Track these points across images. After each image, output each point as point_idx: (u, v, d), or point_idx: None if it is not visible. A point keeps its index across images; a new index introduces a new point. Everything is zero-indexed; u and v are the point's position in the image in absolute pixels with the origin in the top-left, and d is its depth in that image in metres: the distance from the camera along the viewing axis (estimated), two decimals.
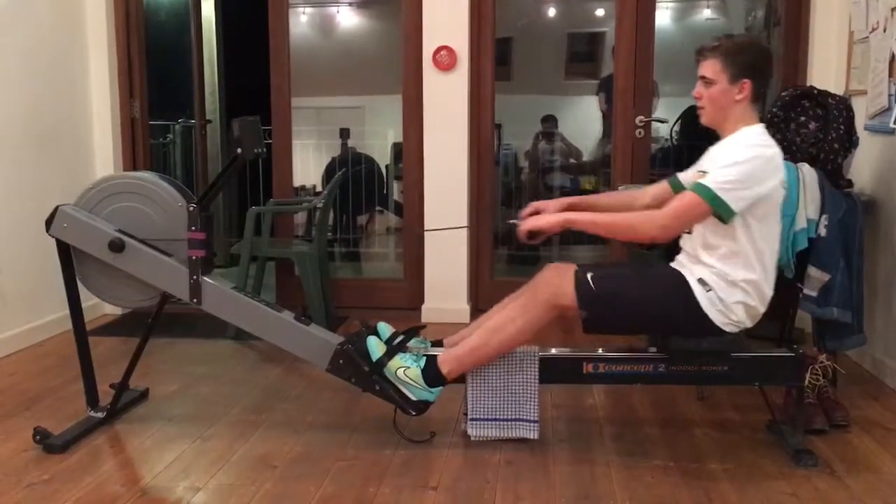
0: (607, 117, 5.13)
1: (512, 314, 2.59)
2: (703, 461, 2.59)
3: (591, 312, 2.52)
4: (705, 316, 2.48)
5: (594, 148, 5.90)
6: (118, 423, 2.91)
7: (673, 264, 2.63)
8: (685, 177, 2.68)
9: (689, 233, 2.56)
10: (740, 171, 2.39)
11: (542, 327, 2.58)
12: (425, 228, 4.30)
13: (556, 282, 2.54)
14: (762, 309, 2.53)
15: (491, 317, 2.68)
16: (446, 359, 2.62)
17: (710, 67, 2.51)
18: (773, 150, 2.47)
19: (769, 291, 2.52)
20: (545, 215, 2.59)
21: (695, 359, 2.60)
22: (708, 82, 2.52)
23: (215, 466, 2.55)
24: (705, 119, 2.58)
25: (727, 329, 2.51)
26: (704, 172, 2.48)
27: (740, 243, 2.45)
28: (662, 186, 2.76)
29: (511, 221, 2.66)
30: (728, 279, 2.47)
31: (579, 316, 2.53)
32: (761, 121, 2.57)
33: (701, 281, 2.49)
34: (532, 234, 2.57)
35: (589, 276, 2.52)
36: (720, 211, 2.39)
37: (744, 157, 2.42)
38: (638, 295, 2.54)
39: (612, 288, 2.53)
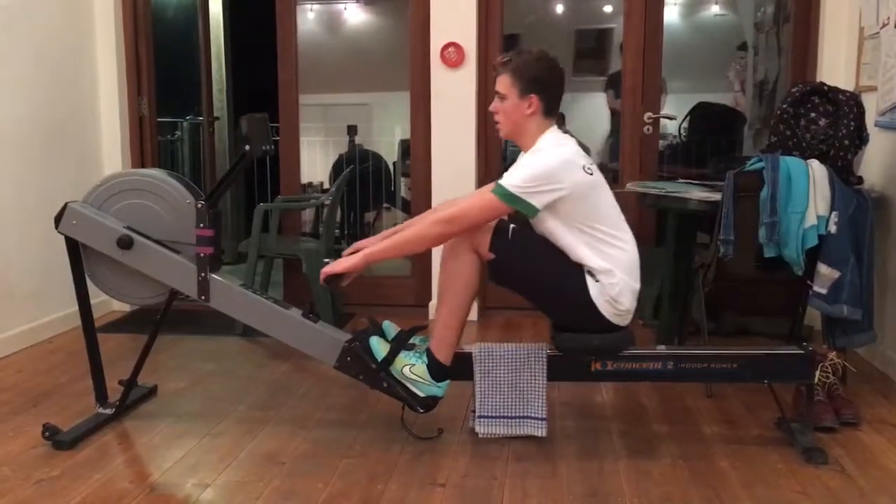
0: (616, 114, 5.12)
1: (448, 268, 2.62)
2: (711, 459, 2.58)
3: (498, 259, 2.57)
4: (595, 307, 2.53)
5: (602, 145, 5.88)
6: (127, 419, 2.91)
7: None
8: None
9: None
10: (533, 172, 2.48)
11: (476, 272, 2.59)
12: None
13: (481, 224, 2.57)
14: (638, 285, 2.59)
15: (440, 281, 2.70)
16: (434, 345, 2.63)
17: (502, 82, 2.60)
18: (562, 148, 2.54)
19: (636, 269, 2.59)
20: (342, 259, 2.64)
21: (586, 357, 2.62)
22: (501, 97, 2.59)
23: (223, 463, 2.55)
24: (503, 133, 2.67)
25: (615, 321, 2.56)
26: None
27: (583, 243, 2.52)
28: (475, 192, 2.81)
29: (326, 261, 2.68)
30: (600, 272, 2.52)
31: (488, 258, 2.58)
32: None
33: (590, 273, 2.54)
34: (331, 278, 2.60)
35: (512, 227, 2.58)
36: (522, 209, 2.49)
37: (536, 160, 2.51)
38: (544, 264, 2.58)
39: (525, 246, 2.58)
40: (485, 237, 2.56)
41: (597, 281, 2.53)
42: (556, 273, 2.58)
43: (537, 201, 2.47)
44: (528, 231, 2.63)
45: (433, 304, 4.39)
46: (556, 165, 2.49)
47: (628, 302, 2.56)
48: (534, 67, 2.56)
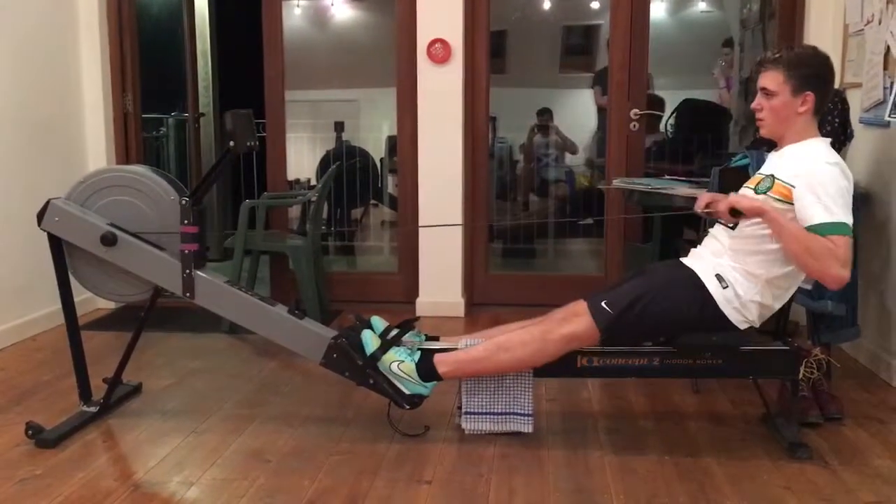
0: (603, 110, 5.13)
1: (526, 338, 2.57)
2: (697, 454, 2.59)
3: (613, 334, 2.53)
4: (722, 314, 2.48)
5: (589, 141, 5.89)
6: (111, 417, 2.89)
7: (685, 260, 2.63)
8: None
9: (732, 228, 2.53)
10: (840, 191, 2.36)
11: (550, 361, 2.57)
12: (420, 225, 4.29)
13: (574, 317, 2.53)
14: (777, 307, 2.53)
15: (504, 333, 2.66)
16: (445, 360, 2.61)
17: (773, 79, 2.47)
18: (843, 161, 2.47)
19: (777, 301, 2.53)
20: (745, 198, 2.50)
21: (698, 352, 2.59)
22: (769, 94, 2.49)
23: (209, 461, 2.54)
24: (765, 131, 2.55)
25: (741, 326, 2.52)
26: (792, 186, 2.41)
27: (777, 253, 2.45)
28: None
29: (699, 211, 2.62)
30: (752, 276, 2.46)
31: (600, 340, 2.55)
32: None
33: (718, 277, 2.49)
34: (736, 211, 2.48)
35: (603, 303, 2.52)
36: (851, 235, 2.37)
37: (840, 176, 2.39)
38: (655, 305, 2.52)
39: (629, 305, 2.51)
40: (587, 329, 2.51)
41: (724, 287, 2.47)
42: (673, 306, 2.51)
43: (849, 218, 2.35)
44: (614, 291, 2.57)
45: (420, 300, 4.41)
46: (849, 181, 2.41)
47: (754, 314, 2.50)
48: (811, 64, 2.47)
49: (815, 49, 2.56)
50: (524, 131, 5.87)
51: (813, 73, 2.47)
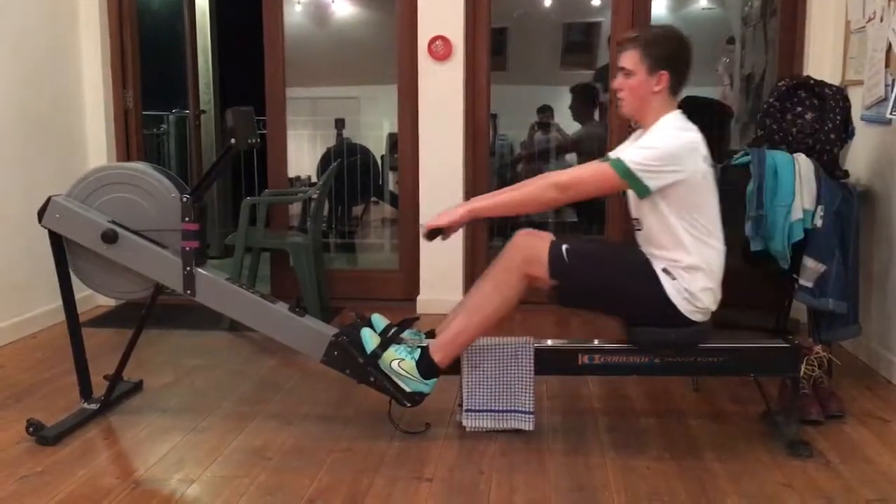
0: (605, 108, 5.12)
1: (489, 288, 2.59)
2: (698, 452, 2.59)
3: (561, 284, 2.54)
4: (672, 304, 2.49)
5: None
6: (112, 414, 2.90)
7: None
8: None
9: (639, 229, 2.59)
10: (657, 153, 2.42)
11: (520, 297, 2.58)
12: (421, 223, 4.28)
13: (530, 251, 2.55)
14: (720, 293, 2.55)
15: (471, 295, 2.67)
16: (435, 347, 2.61)
17: (630, 58, 2.52)
18: (689, 133, 2.49)
19: (720, 274, 2.55)
20: (445, 212, 2.59)
21: (664, 351, 2.59)
22: (628, 73, 2.53)
23: (209, 458, 2.54)
24: (625, 109, 2.59)
25: (694, 318, 2.52)
26: None
27: (681, 233, 2.47)
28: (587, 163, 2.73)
29: (421, 225, 2.66)
30: (686, 267, 2.48)
31: (549, 286, 2.55)
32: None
33: (665, 271, 2.51)
34: (434, 232, 2.58)
35: (564, 248, 2.53)
36: (634, 187, 2.44)
37: (661, 140, 2.45)
38: (609, 275, 2.55)
39: (585, 263, 2.54)
40: (541, 267, 2.51)
41: (673, 278, 2.48)
42: (625, 281, 2.53)
43: (653, 183, 2.41)
44: (580, 245, 2.58)
45: (421, 298, 4.40)
46: (681, 148, 2.43)
47: (708, 301, 2.51)
48: (665, 44, 2.51)
49: (671, 28, 2.59)
50: (525, 129, 5.86)
51: (668, 52, 2.50)
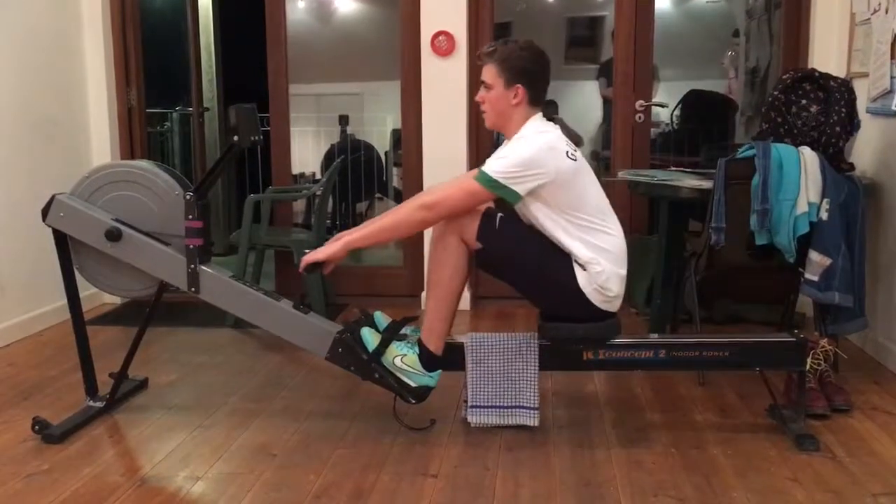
0: (608, 102, 5.11)
1: (436, 258, 2.62)
2: (704, 446, 2.58)
3: (485, 248, 2.56)
4: (582, 293, 2.52)
5: (595, 133, 5.87)
6: (117, 412, 2.90)
7: None
8: None
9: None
10: (516, 159, 2.46)
11: (467, 257, 2.59)
12: None
13: (466, 218, 2.56)
14: (624, 271, 2.57)
15: (427, 273, 2.69)
16: (424, 336, 2.63)
17: (488, 72, 2.57)
18: (546, 135, 2.53)
19: (623, 254, 2.57)
20: (322, 247, 2.62)
21: (565, 344, 2.61)
22: (487, 87, 2.57)
23: (215, 455, 2.55)
24: (488, 123, 2.65)
25: (604, 307, 2.55)
26: None
27: (569, 231, 2.51)
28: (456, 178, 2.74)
29: (306, 251, 2.69)
30: (586, 262, 2.51)
31: (475, 248, 2.57)
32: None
33: (577, 261, 2.53)
34: (312, 266, 2.60)
35: (499, 216, 2.56)
36: (504, 196, 2.47)
37: (519, 146, 2.50)
38: (531, 253, 2.57)
39: (513, 235, 2.57)
40: (472, 226, 2.55)
41: (584, 270, 2.52)
42: (543, 262, 2.56)
43: (520, 188, 2.46)
44: (515, 219, 2.62)
45: (425, 294, 4.39)
46: (539, 151, 2.47)
47: (616, 288, 2.55)
48: (520, 58, 2.55)
49: (527, 42, 2.60)
50: None
51: (521, 66, 2.54)
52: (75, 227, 2.70)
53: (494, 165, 2.48)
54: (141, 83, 4.63)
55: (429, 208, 2.52)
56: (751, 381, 3.00)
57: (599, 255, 2.52)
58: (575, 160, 2.52)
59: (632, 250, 2.64)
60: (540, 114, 2.61)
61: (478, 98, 2.63)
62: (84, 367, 2.87)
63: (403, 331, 2.68)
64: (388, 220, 2.62)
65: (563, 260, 2.55)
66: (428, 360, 2.60)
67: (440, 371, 2.63)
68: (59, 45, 4.21)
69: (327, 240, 2.69)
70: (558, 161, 2.48)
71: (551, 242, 2.56)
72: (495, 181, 2.46)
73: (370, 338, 2.62)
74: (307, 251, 2.67)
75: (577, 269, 2.53)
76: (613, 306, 2.59)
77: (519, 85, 2.53)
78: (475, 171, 2.55)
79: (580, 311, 2.56)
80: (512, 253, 2.57)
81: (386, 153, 5.86)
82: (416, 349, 2.61)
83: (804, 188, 2.91)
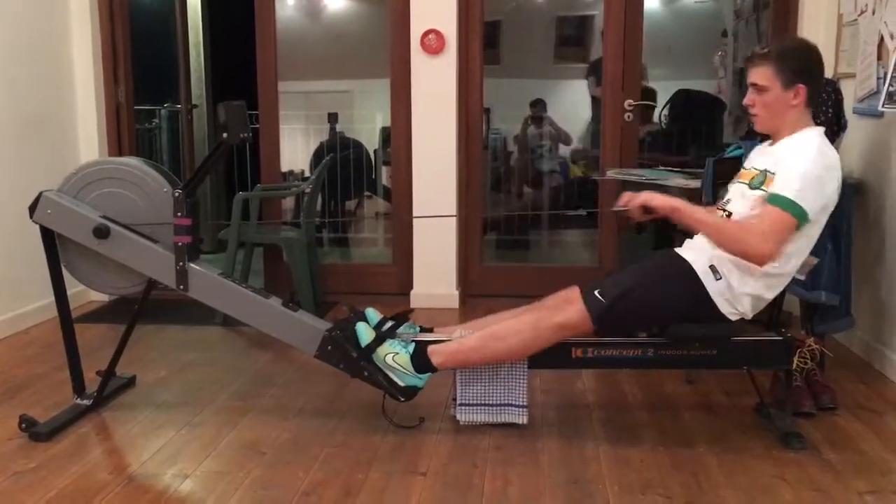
0: (598, 101, 5.11)
1: (519, 327, 2.56)
2: (691, 444, 2.59)
3: (605, 324, 2.53)
4: (713, 304, 2.48)
5: (584, 132, 5.88)
6: (105, 410, 2.89)
7: (679, 250, 2.61)
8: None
9: (729, 215, 2.53)
10: (813, 177, 2.36)
11: (543, 349, 2.56)
12: (414, 215, 4.29)
13: (563, 317, 2.52)
14: (769, 297, 2.52)
15: (497, 322, 2.65)
16: (439, 350, 2.60)
17: (762, 74, 2.46)
18: (835, 154, 2.46)
19: (771, 293, 2.52)
20: (658, 195, 2.51)
21: (689, 344, 2.59)
22: (760, 89, 2.47)
23: (203, 453, 2.54)
24: (759, 126, 2.54)
25: (731, 317, 2.51)
26: (773, 174, 2.44)
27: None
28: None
29: (616, 209, 2.60)
30: (747, 267, 2.43)
31: (593, 330, 2.54)
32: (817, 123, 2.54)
33: (712, 268, 2.47)
34: (646, 209, 2.51)
35: (596, 292, 2.51)
36: (800, 219, 2.35)
37: (815, 163, 2.38)
38: (648, 295, 2.52)
39: (621, 294, 2.50)
40: (581, 324, 2.50)
41: (718, 278, 2.46)
42: (666, 296, 2.50)
43: (811, 210, 2.35)
44: (608, 280, 2.56)
45: (415, 292, 4.40)
46: (835, 175, 2.40)
47: (747, 307, 2.49)
48: (800, 56, 2.47)
49: (803, 41, 2.55)
50: (518, 122, 5.86)
51: (803, 65, 2.46)
52: (63, 224, 2.69)
53: (793, 183, 2.34)
54: (129, 80, 4.61)
55: (769, 256, 2.34)
56: (738, 379, 3.01)
57: (774, 279, 2.46)
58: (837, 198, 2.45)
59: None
60: (821, 129, 2.50)
61: (746, 101, 2.51)
62: (71, 364, 2.85)
63: (400, 329, 2.67)
64: (729, 228, 2.44)
65: (680, 276, 2.48)
66: (423, 365, 2.60)
67: (430, 374, 2.62)
68: (47, 42, 4.18)
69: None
70: (837, 185, 2.41)
71: (660, 272, 2.53)
72: (795, 203, 2.33)
73: (364, 333, 2.61)
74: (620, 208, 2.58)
75: (707, 279, 2.46)
76: (736, 317, 2.52)
77: (801, 84, 2.43)
78: (772, 208, 2.35)
79: (709, 317, 2.50)
80: (635, 312, 2.52)
81: (375, 151, 5.85)
82: (409, 349, 2.61)
83: None
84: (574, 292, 2.55)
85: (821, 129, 2.51)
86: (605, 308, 2.49)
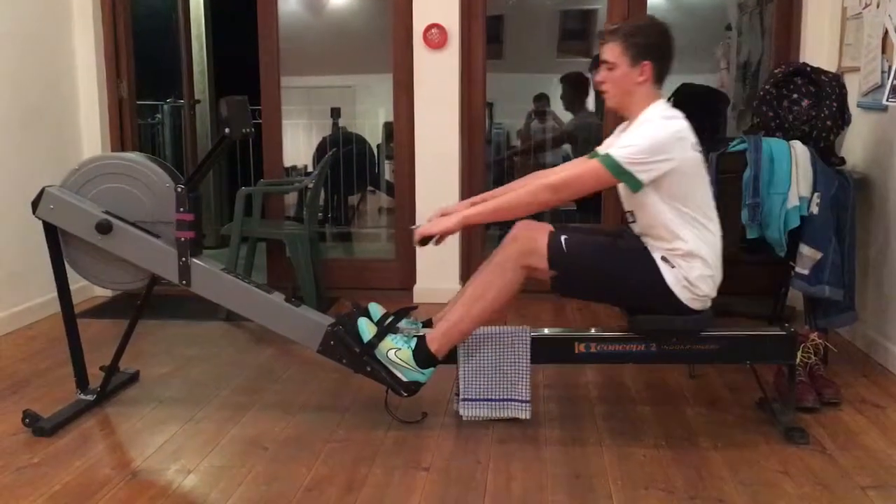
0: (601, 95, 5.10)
1: (488, 278, 2.59)
2: (694, 439, 2.59)
3: (561, 273, 2.55)
4: (671, 293, 2.49)
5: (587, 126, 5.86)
6: (108, 405, 2.89)
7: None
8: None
9: (633, 221, 2.59)
10: (644, 145, 2.41)
11: (519, 287, 2.58)
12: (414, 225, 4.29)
13: (528, 243, 2.54)
14: (720, 277, 2.55)
15: (470, 285, 2.66)
16: (433, 336, 2.61)
17: (611, 51, 2.52)
18: (675, 121, 2.48)
19: (719, 258, 2.54)
20: (439, 220, 2.59)
21: (666, 338, 2.59)
22: (610, 66, 2.52)
23: (206, 448, 2.54)
24: (610, 102, 2.59)
25: (694, 306, 2.52)
26: None
27: (675, 222, 2.46)
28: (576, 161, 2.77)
29: (411, 227, 2.66)
30: (683, 255, 2.48)
31: (548, 276, 2.56)
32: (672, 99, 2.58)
33: (664, 259, 2.50)
34: (426, 239, 2.58)
35: (563, 238, 2.53)
36: (627, 182, 2.44)
37: (648, 132, 2.44)
38: (609, 265, 2.56)
39: (584, 253, 2.54)
40: (540, 258, 2.52)
41: (672, 267, 2.48)
42: (624, 270, 2.54)
43: (645, 176, 2.41)
44: (579, 236, 2.58)
45: (417, 287, 4.40)
46: (667, 138, 2.42)
47: (707, 288, 2.51)
48: (647, 33, 2.50)
49: (652, 18, 2.59)
50: (521, 117, 5.85)
51: (649, 41, 2.50)
52: (65, 220, 2.69)
53: (623, 150, 2.42)
54: (132, 75, 4.61)
55: (555, 190, 2.48)
56: (741, 374, 3.01)
57: (696, 251, 2.47)
58: (698, 153, 2.48)
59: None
60: (663, 98, 2.55)
61: (597, 79, 2.56)
62: (74, 359, 2.86)
63: (400, 324, 2.67)
64: (506, 200, 2.56)
65: (645, 262, 2.51)
66: (425, 359, 2.59)
67: (433, 369, 2.62)
68: (50, 37, 4.18)
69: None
70: (685, 150, 2.44)
71: (623, 245, 2.56)
72: (621, 166, 2.40)
73: (366, 328, 2.61)
74: (415, 226, 2.62)
75: (664, 268, 2.49)
76: (703, 304, 2.53)
77: (646, 62, 2.47)
78: (591, 157, 2.53)
79: (669, 308, 2.52)
80: (590, 272, 2.55)
81: (378, 146, 5.84)
82: (411, 344, 2.61)
83: (795, 182, 2.92)
84: (542, 230, 2.56)
85: (663, 101, 2.54)
86: (564, 257, 2.51)
